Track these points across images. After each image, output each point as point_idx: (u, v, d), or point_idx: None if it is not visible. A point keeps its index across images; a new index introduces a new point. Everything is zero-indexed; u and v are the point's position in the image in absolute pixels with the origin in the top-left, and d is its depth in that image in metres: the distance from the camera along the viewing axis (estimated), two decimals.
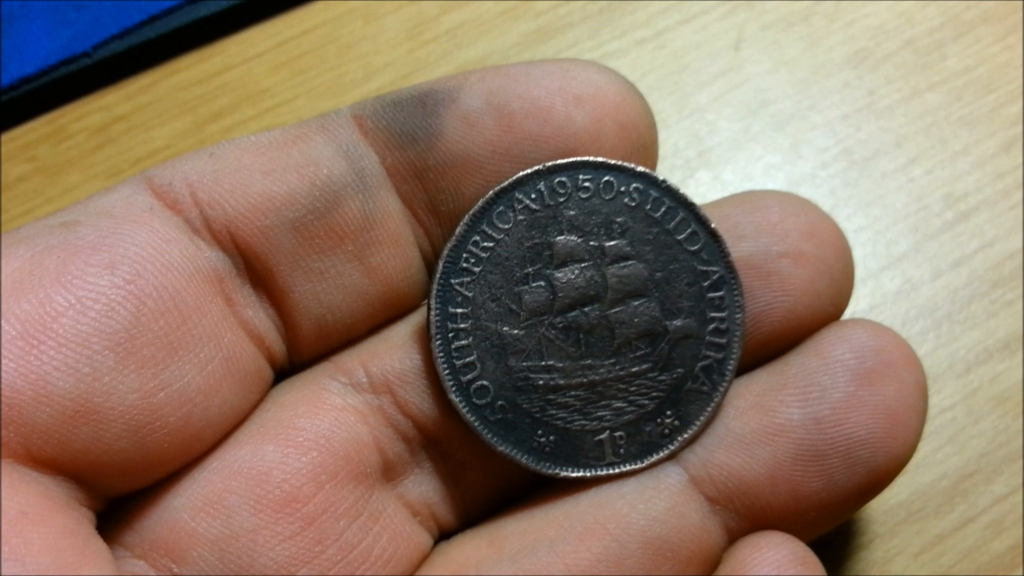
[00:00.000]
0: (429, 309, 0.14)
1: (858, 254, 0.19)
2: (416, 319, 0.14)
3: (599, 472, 0.14)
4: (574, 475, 0.14)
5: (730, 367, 0.14)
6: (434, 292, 0.14)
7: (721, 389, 0.14)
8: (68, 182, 0.19)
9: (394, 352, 0.14)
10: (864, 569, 0.17)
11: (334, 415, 0.13)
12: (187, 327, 0.12)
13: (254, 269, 0.13)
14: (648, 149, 0.14)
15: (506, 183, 0.14)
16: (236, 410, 0.13)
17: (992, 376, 0.18)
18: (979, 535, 0.17)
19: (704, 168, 0.20)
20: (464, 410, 0.14)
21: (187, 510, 0.12)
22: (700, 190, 0.20)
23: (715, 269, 0.14)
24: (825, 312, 0.14)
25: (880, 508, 0.18)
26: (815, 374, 0.14)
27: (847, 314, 0.15)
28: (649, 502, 0.14)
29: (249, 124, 0.20)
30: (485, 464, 0.14)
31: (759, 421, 0.14)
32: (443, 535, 0.15)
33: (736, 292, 0.14)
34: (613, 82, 0.14)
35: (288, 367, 0.14)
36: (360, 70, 0.21)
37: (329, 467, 0.13)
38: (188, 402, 0.12)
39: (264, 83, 0.20)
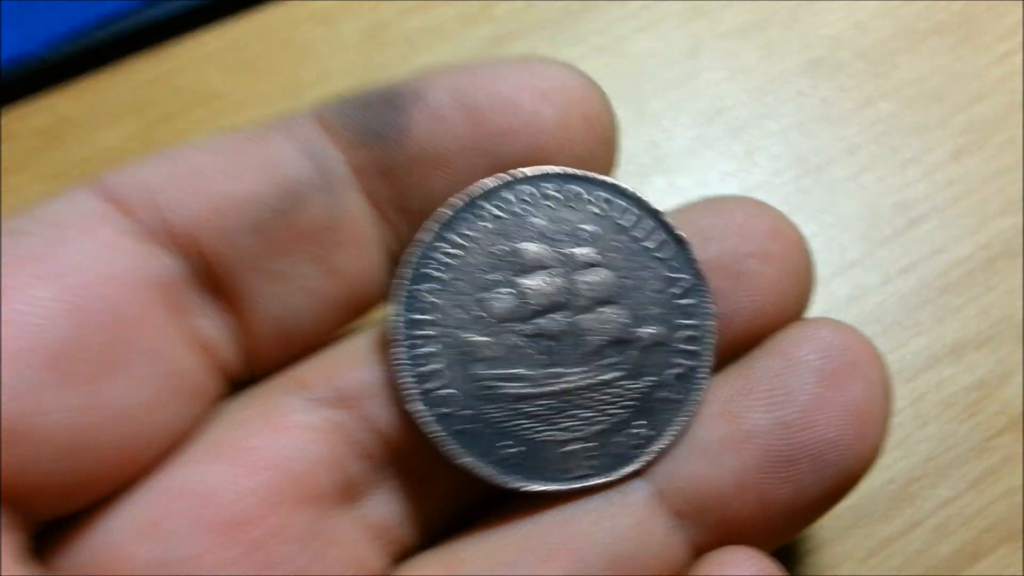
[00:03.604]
0: (392, 316, 0.13)
1: None
2: (378, 328, 0.14)
3: (564, 487, 0.14)
4: (538, 489, 0.14)
5: (702, 375, 0.14)
6: (398, 299, 0.13)
7: (694, 398, 0.14)
8: (12, 183, 0.19)
9: (356, 363, 0.14)
10: (813, 573, 0.17)
11: (291, 434, 0.13)
12: (129, 341, 0.12)
13: (213, 273, 0.13)
14: (611, 143, 0.14)
15: (471, 194, 0.14)
16: (179, 427, 0.13)
17: (938, 381, 0.19)
18: (926, 538, 0.18)
19: (660, 174, 0.20)
20: (427, 419, 0.13)
21: (125, 533, 0.12)
22: (656, 196, 0.20)
23: (684, 276, 0.14)
24: (791, 310, 0.14)
25: (829, 513, 0.18)
26: (780, 376, 0.14)
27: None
28: (614, 519, 0.13)
29: (201, 126, 0.19)
30: (450, 478, 0.14)
31: (725, 428, 0.13)
32: (405, 554, 0.14)
33: (706, 299, 0.14)
34: (576, 78, 0.14)
35: (248, 377, 0.14)
36: (316, 73, 0.21)
37: (283, 489, 0.13)
38: (127, 420, 0.12)
39: (217, 85, 0.20)
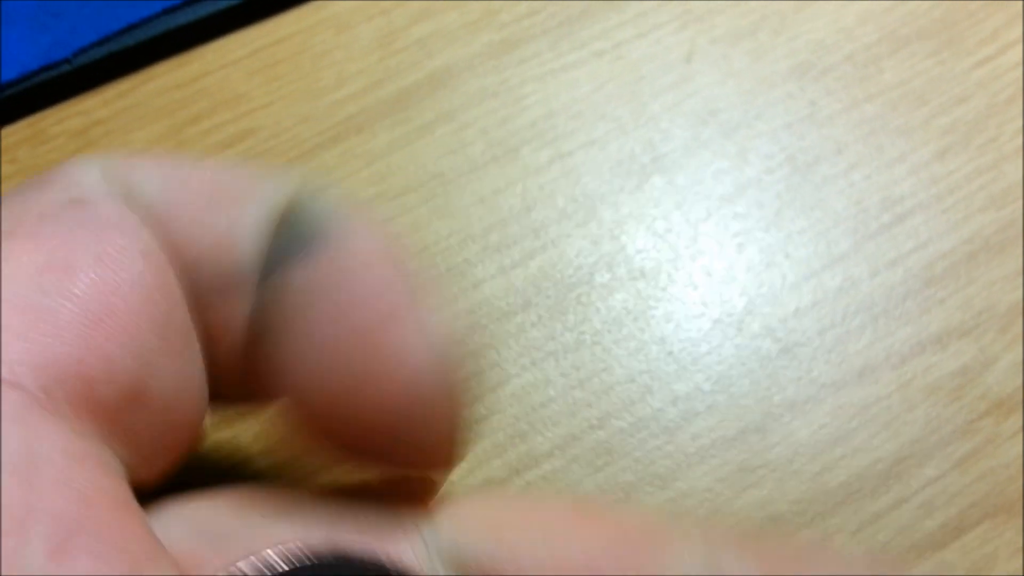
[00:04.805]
0: None
1: (801, 254, 0.21)
2: None
3: None
4: None
5: None
6: None
7: None
8: None
9: None
10: (807, 545, 0.18)
11: None
12: (188, 323, 0.12)
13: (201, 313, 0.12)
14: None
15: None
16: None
17: (925, 367, 0.20)
18: (912, 514, 0.19)
19: (658, 173, 0.21)
20: None
21: None
22: (655, 194, 0.21)
23: None
24: None
25: (821, 489, 0.19)
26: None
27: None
28: None
29: (226, 127, 0.20)
30: None
31: None
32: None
33: None
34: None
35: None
36: (333, 77, 0.22)
37: None
38: (199, 392, 0.12)
39: (241, 88, 0.21)
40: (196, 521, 0.11)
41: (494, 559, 0.11)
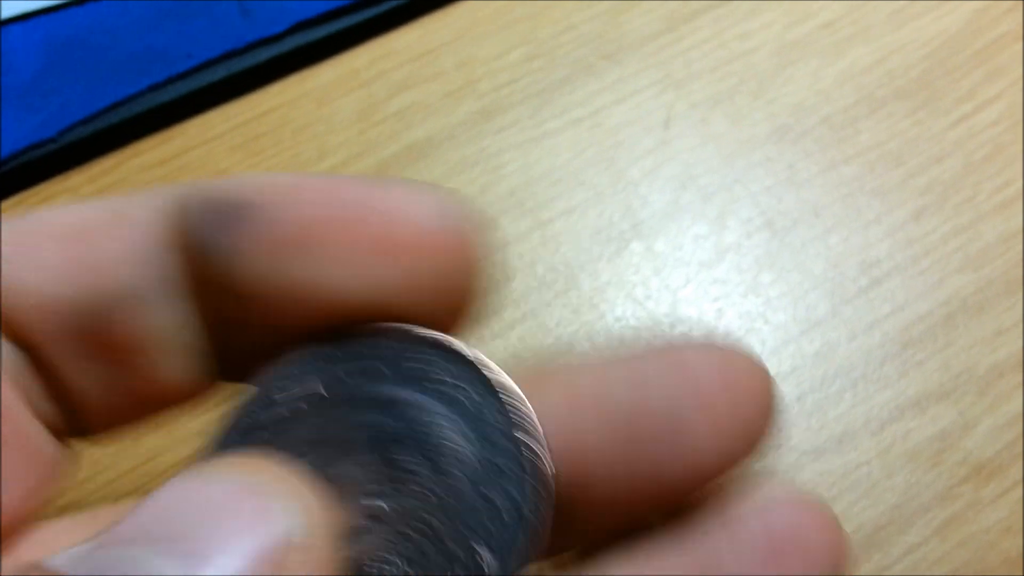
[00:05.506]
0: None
1: (780, 319, 0.21)
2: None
3: None
4: None
5: None
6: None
7: None
8: None
9: None
10: None
11: None
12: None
13: (41, 366, 0.13)
14: (475, 289, 0.13)
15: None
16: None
17: (904, 432, 0.20)
18: None
19: (637, 239, 0.22)
20: None
21: None
22: (634, 260, 0.21)
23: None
24: (734, 465, 0.13)
25: None
26: (723, 554, 0.12)
27: None
28: None
29: None
30: None
31: None
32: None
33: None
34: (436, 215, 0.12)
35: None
36: (314, 150, 0.22)
37: None
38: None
39: (223, 163, 0.22)
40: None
41: None
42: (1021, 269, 0.21)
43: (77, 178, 0.21)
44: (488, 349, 0.20)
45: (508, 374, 0.12)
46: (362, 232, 0.12)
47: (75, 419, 0.13)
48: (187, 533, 0.10)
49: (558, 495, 0.12)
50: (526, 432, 0.12)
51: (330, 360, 0.12)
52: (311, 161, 0.22)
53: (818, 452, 0.20)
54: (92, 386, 0.13)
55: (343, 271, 0.12)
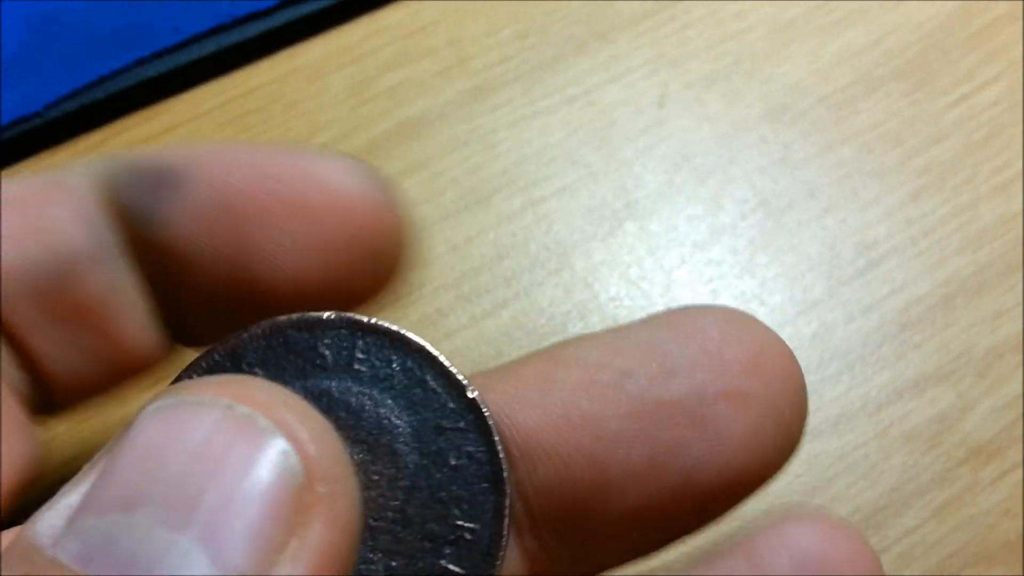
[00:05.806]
0: None
1: (776, 300, 0.21)
2: None
3: None
4: None
5: None
6: None
7: None
8: None
9: None
10: None
11: None
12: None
13: (8, 336, 0.13)
14: (399, 254, 0.13)
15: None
16: None
17: (902, 414, 0.20)
18: (891, 566, 0.18)
19: (631, 219, 0.21)
20: None
21: None
22: (628, 241, 0.21)
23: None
24: (771, 463, 0.12)
25: None
26: None
27: None
28: None
29: None
30: None
31: None
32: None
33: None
34: (366, 179, 0.12)
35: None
36: (305, 126, 0.22)
37: None
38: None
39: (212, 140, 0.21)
40: None
41: None
42: (1020, 250, 0.21)
43: (64, 155, 0.21)
44: (480, 328, 0.20)
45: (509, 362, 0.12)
46: (283, 198, 0.12)
47: (44, 391, 0.13)
48: (181, 487, 0.09)
49: (580, 507, 0.11)
50: (457, 388, 0.11)
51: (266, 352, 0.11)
52: (301, 138, 0.21)
53: (815, 434, 0.19)
54: (55, 349, 0.13)
55: (267, 237, 0.12)
